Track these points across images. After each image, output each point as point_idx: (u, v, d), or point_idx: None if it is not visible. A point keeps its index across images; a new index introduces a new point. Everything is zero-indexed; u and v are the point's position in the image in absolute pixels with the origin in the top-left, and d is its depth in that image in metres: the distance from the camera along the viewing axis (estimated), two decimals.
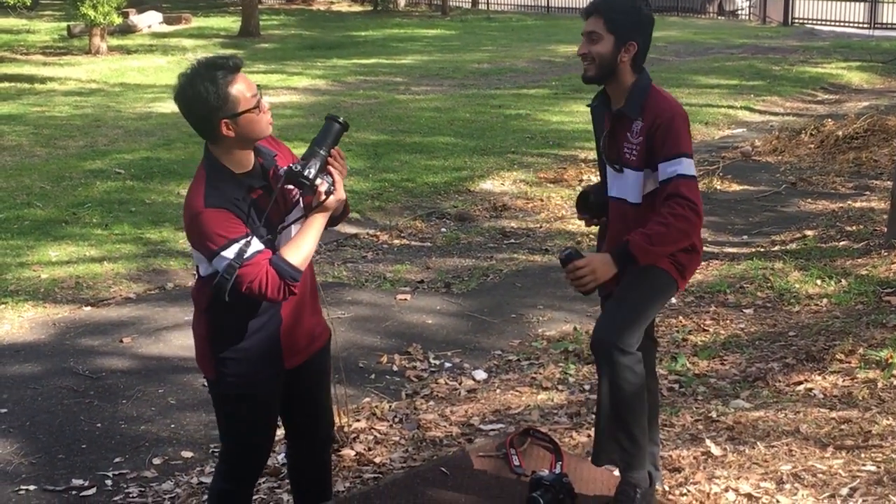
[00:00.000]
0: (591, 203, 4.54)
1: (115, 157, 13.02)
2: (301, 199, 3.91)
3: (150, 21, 30.41)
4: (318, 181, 3.71)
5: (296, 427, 4.30)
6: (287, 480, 5.06)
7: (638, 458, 4.42)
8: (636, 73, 4.28)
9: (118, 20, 24.72)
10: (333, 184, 3.74)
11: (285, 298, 3.72)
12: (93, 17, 23.24)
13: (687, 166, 4.16)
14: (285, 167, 3.76)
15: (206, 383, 4.15)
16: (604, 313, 4.44)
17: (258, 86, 3.77)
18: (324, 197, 3.73)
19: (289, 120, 15.45)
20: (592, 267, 4.14)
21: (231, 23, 30.96)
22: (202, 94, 3.61)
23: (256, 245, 3.65)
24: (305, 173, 3.69)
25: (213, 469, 5.32)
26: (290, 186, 3.86)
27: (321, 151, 3.74)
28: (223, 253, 3.62)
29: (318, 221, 3.78)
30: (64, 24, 28.95)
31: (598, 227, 4.75)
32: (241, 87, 3.66)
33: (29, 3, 24.16)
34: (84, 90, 19.31)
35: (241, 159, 3.77)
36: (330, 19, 34.24)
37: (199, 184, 3.72)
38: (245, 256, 3.61)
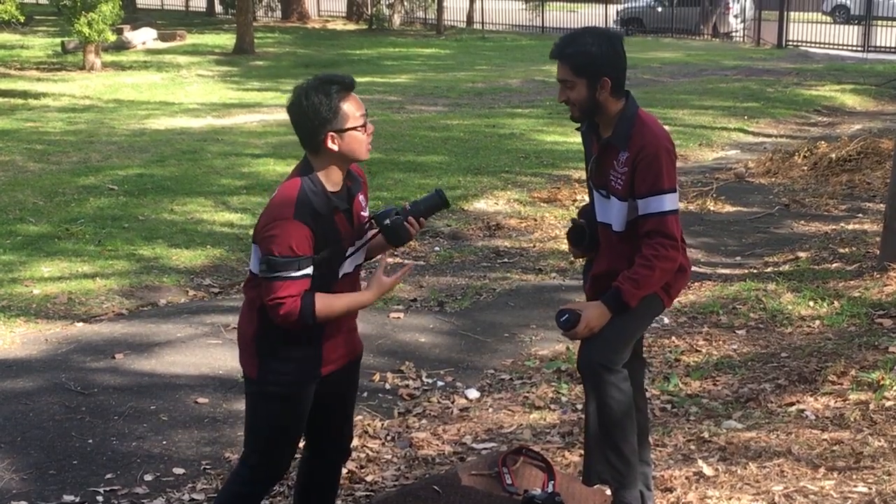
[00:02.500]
0: (587, 239, 4.56)
1: (109, 173, 13.04)
2: (369, 230, 4.13)
3: (144, 38, 30.43)
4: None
5: (318, 438, 4.32)
6: (277, 497, 5.06)
7: (629, 477, 4.43)
8: (620, 99, 4.30)
9: (112, 37, 24.75)
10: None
11: (288, 328, 3.86)
12: (87, 34, 23.27)
13: (668, 202, 4.23)
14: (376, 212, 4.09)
15: (244, 381, 4.18)
16: None
17: (366, 109, 3.96)
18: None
19: (282, 137, 15.48)
20: (588, 325, 4.30)
21: (226, 40, 31.01)
22: (316, 104, 3.79)
23: (307, 270, 3.82)
24: (382, 219, 4.06)
25: (205, 486, 5.33)
26: (365, 213, 4.11)
27: (409, 207, 4.10)
28: (278, 261, 3.77)
29: (363, 298, 4.04)
30: (58, 40, 28.97)
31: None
32: (351, 105, 3.87)
33: (23, 20, 24.18)
34: (78, 106, 19.33)
35: (336, 177, 3.94)
36: (325, 37, 34.29)
37: (293, 190, 3.85)
38: (291, 274, 3.77)
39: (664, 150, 4.23)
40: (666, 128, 4.41)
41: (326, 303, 3.87)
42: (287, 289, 3.77)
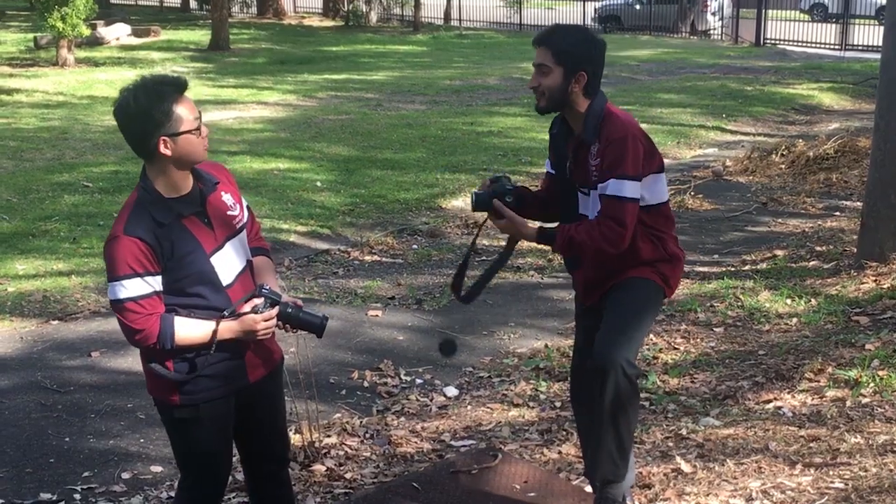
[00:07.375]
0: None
1: (83, 170, 12.95)
2: (240, 223, 3.94)
3: (118, 33, 30.30)
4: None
5: (250, 453, 4.22)
6: None
7: (622, 473, 4.44)
8: (590, 97, 4.29)
9: (86, 32, 24.57)
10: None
11: (142, 348, 3.76)
12: (61, 29, 23.13)
13: (622, 187, 4.18)
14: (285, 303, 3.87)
15: (158, 408, 4.10)
16: (606, 329, 4.35)
17: (199, 110, 3.76)
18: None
19: (259, 134, 15.43)
20: (512, 228, 4.74)
21: (201, 36, 30.89)
22: (146, 107, 3.59)
23: (156, 285, 3.67)
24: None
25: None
26: (233, 212, 3.91)
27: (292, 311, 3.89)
28: (122, 283, 3.62)
29: (223, 328, 3.75)
30: (31, 36, 28.79)
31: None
32: (185, 108, 3.65)
33: None
34: (51, 102, 19.20)
35: (177, 182, 3.74)
36: (301, 34, 34.22)
37: (127, 208, 3.71)
38: (139, 294, 3.63)
39: (630, 136, 4.21)
40: (644, 126, 4.40)
41: (187, 330, 3.69)
42: (141, 311, 3.63)
